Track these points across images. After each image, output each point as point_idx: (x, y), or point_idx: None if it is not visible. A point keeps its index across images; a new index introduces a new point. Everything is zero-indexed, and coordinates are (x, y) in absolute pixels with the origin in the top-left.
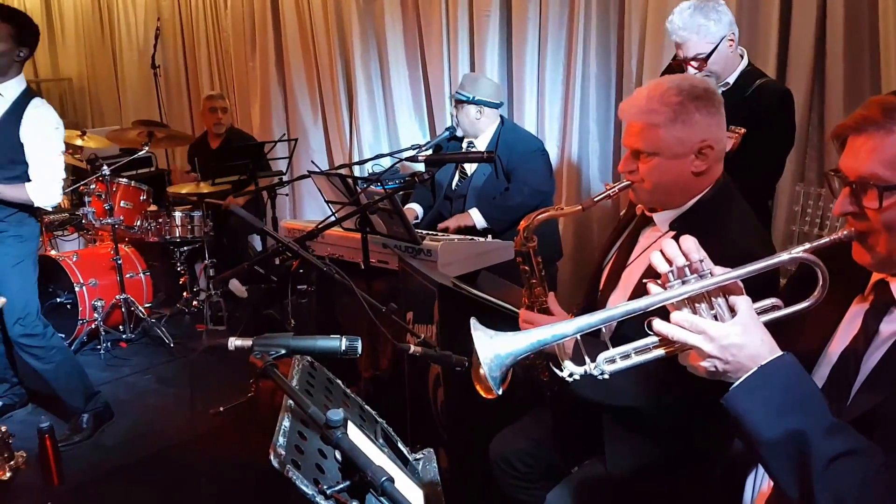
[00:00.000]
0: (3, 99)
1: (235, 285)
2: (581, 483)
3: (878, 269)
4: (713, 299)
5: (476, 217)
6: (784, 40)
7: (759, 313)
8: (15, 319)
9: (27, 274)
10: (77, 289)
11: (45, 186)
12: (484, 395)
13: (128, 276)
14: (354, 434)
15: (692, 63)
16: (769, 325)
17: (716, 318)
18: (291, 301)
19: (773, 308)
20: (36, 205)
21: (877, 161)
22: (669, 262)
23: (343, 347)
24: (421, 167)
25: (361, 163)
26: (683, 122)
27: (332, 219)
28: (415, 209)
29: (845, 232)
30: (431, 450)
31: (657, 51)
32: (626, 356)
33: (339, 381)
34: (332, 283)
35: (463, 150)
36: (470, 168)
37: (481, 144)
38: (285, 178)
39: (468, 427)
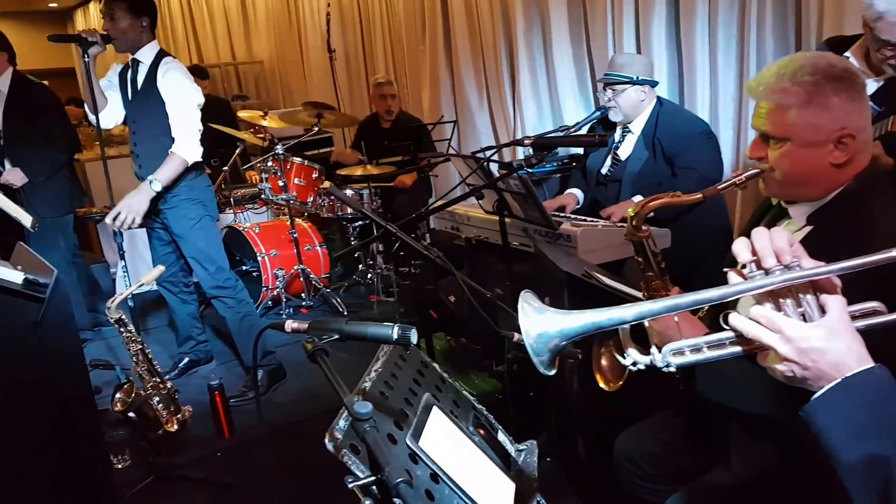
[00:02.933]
0: (143, 65)
1: None
2: (702, 491)
3: None
4: (801, 296)
5: None
6: None
7: (854, 318)
8: (206, 272)
9: (207, 230)
10: (259, 258)
11: (186, 139)
12: (603, 387)
13: (305, 248)
14: (438, 420)
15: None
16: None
17: (804, 317)
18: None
19: (874, 313)
20: (191, 162)
21: None
22: (755, 253)
23: (395, 336)
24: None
25: (495, 148)
26: (819, 106)
27: (440, 203)
28: (575, 194)
29: None
30: (535, 442)
31: (837, 24)
32: (696, 349)
33: (436, 366)
34: (476, 264)
35: (575, 133)
36: (624, 153)
37: (637, 128)
38: (433, 161)
39: (601, 417)
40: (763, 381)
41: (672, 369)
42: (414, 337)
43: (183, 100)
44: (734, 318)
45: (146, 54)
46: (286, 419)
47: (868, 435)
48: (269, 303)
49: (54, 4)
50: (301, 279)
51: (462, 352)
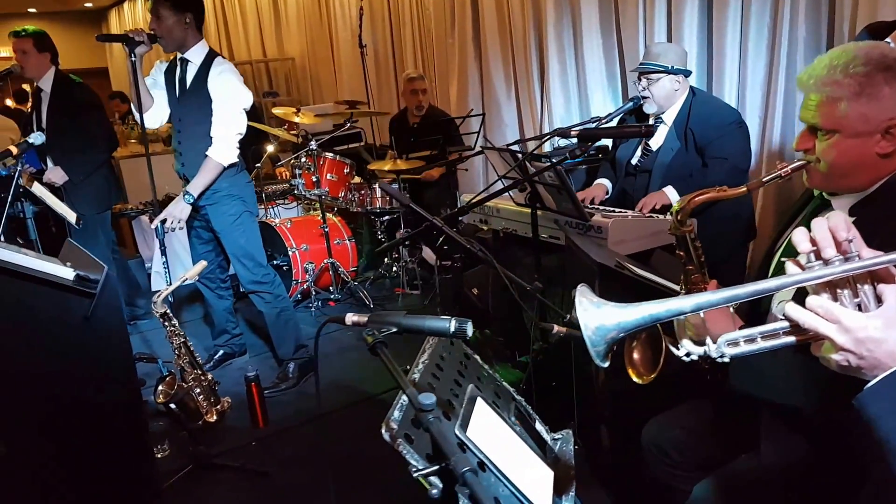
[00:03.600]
0: (192, 65)
1: (428, 253)
2: (731, 478)
3: None
4: (859, 286)
5: (672, 196)
6: None
7: None
8: (244, 268)
9: (246, 226)
10: (290, 252)
11: (224, 142)
12: (636, 380)
13: (335, 242)
14: (482, 411)
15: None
16: None
17: (860, 307)
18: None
19: None
20: (226, 165)
21: None
22: (814, 243)
23: (452, 329)
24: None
25: (535, 139)
26: (869, 97)
27: (482, 196)
28: (605, 184)
29: None
30: (570, 431)
31: (872, 11)
32: (751, 340)
33: (478, 357)
34: (500, 259)
35: (623, 124)
36: (655, 143)
37: (669, 118)
38: (465, 155)
39: (627, 407)
40: (797, 374)
41: (726, 359)
42: (470, 330)
43: (230, 101)
44: (790, 309)
45: (196, 54)
46: (317, 410)
47: None
48: (299, 296)
49: (89, 4)
50: (330, 272)
51: (486, 343)
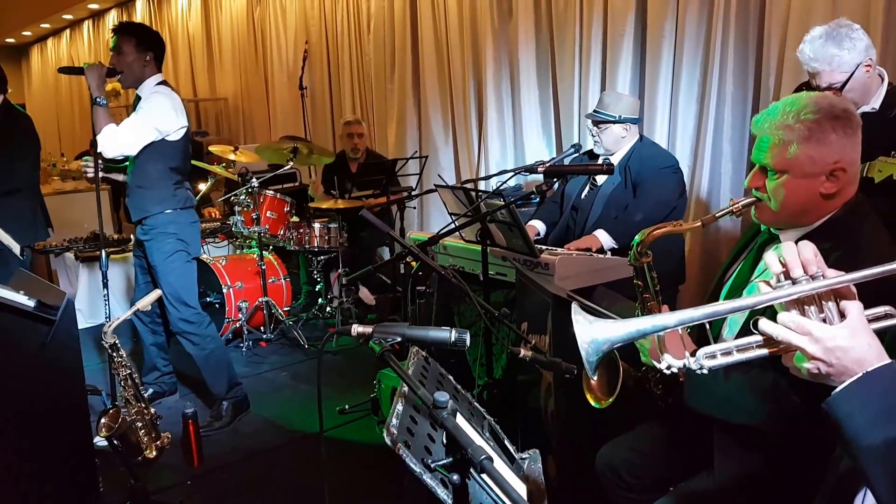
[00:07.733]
0: (142, 99)
1: (365, 293)
2: (686, 496)
3: None
4: (824, 302)
5: (603, 238)
6: None
7: (870, 320)
8: (172, 307)
9: (179, 265)
10: (225, 290)
11: (116, 135)
12: (594, 404)
13: (270, 280)
14: (462, 424)
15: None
16: None
17: (825, 321)
18: (411, 306)
19: (886, 316)
20: (99, 147)
21: None
22: (783, 265)
23: (452, 338)
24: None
25: (487, 178)
26: (818, 142)
27: (451, 227)
28: (536, 226)
29: None
30: (537, 451)
31: (797, 69)
32: (727, 353)
33: (451, 378)
34: (450, 292)
35: (585, 162)
36: (601, 178)
37: (616, 159)
38: (415, 193)
39: (576, 436)
40: (747, 394)
41: (704, 371)
42: (468, 340)
43: (146, 114)
44: (764, 324)
45: (146, 88)
46: (253, 448)
47: (887, 420)
48: (230, 335)
49: (11, 40)
50: (263, 311)
51: None
